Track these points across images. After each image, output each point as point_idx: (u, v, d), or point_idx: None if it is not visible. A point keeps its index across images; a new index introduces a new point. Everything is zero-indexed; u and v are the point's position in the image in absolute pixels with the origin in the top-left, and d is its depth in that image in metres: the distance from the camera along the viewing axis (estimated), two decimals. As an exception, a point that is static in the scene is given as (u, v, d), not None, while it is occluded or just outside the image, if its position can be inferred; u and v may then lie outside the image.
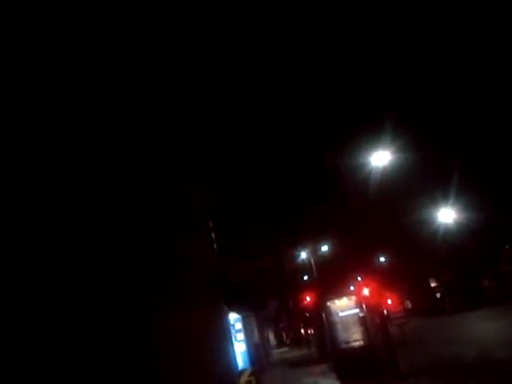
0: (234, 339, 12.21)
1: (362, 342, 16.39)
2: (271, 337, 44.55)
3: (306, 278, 32.45)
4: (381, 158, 17.00)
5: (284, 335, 47.18)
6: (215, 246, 11.05)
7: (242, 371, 12.29)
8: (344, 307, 17.27)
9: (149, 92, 5.66)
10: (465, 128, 25.07)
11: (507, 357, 12.16)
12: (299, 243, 26.44)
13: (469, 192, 28.35)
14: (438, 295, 50.79)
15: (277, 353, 34.37)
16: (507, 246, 40.08)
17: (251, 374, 12.46)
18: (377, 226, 26.37)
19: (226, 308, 10.28)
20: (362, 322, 16.81)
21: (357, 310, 17.07)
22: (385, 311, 19.52)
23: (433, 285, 52.19)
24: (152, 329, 4.82)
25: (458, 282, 45.56)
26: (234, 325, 12.70)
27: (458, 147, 25.31)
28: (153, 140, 6.00)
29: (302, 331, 43.30)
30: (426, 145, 22.43)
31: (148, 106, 5.61)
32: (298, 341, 41.27)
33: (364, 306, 17.29)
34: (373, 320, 17.00)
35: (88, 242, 3.95)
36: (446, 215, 30.17)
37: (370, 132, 18.09)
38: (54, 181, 3.66)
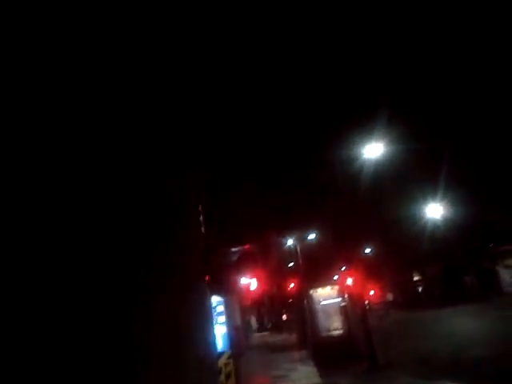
0: (215, 322, 12.29)
1: (341, 332, 16.64)
2: (253, 321, 44.93)
3: (291, 264, 32.72)
4: (373, 151, 17.05)
5: (266, 320, 47.61)
6: (203, 229, 11.06)
7: (222, 353, 12.40)
8: (326, 296, 17.48)
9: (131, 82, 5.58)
10: (456, 123, 25.18)
11: (483, 354, 12.39)
12: (287, 230, 26.56)
13: (457, 188, 28.61)
14: (420, 289, 51.52)
15: (257, 336, 34.73)
16: (491, 245, 40.63)
17: (230, 357, 12.58)
18: (365, 218, 26.62)
19: (209, 290, 10.32)
20: (343, 311, 17.05)
21: (339, 300, 17.28)
22: (366, 302, 19.78)
23: (416, 278, 52.90)
24: (134, 311, 4.81)
25: (440, 276, 46.25)
26: (216, 307, 12.77)
27: (449, 142, 25.41)
28: (142, 128, 5.94)
29: (284, 317, 43.79)
30: (418, 139, 22.51)
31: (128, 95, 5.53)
32: (279, 326, 41.74)
33: (346, 296, 17.51)
34: (354, 310, 17.24)
35: (69, 231, 3.92)
36: (434, 210, 30.49)
37: (363, 124, 18.11)
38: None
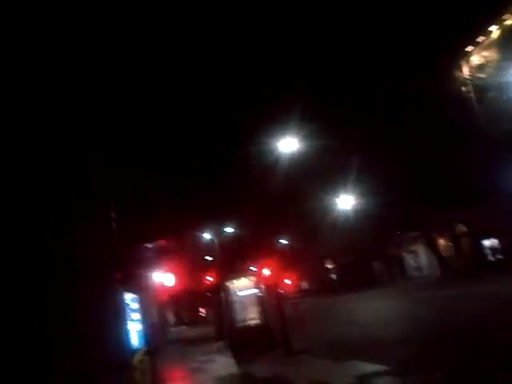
0: (129, 318, 12.02)
1: (258, 321, 16.96)
2: (170, 315, 44.46)
3: (210, 259, 32.73)
4: (288, 145, 17.52)
5: (183, 314, 47.35)
6: (114, 225, 10.73)
7: (137, 351, 12.18)
8: (243, 287, 17.71)
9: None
10: (365, 116, 26.49)
11: (389, 335, 13.29)
12: (204, 224, 26.54)
13: (367, 179, 30.13)
14: (334, 277, 53.84)
15: (175, 331, 34.43)
16: (398, 232, 43.38)
17: (146, 353, 12.39)
18: (280, 210, 27.27)
19: (121, 287, 10.07)
20: (260, 301, 17.38)
21: (255, 290, 17.59)
22: (282, 291, 20.34)
23: (329, 267, 55.16)
24: (41, 309, 4.63)
25: (352, 264, 48.68)
26: (129, 304, 12.47)
27: (359, 135, 26.74)
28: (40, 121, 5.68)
29: (202, 310, 43.78)
30: (330, 133, 23.42)
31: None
32: (197, 320, 41.73)
33: (262, 286, 17.88)
34: (270, 300, 17.66)
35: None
36: (345, 201, 31.97)
37: (278, 119, 18.51)
38: None
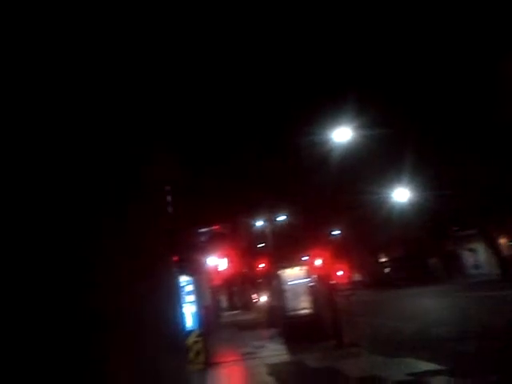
0: (184, 301, 12.33)
1: (309, 311, 16.91)
2: (223, 299, 45.28)
3: (261, 245, 32.97)
4: (342, 134, 17.26)
5: (236, 299, 48.07)
6: (171, 209, 10.99)
7: (191, 332, 12.49)
8: (295, 276, 17.68)
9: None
10: (424, 107, 25.56)
11: (445, 333, 12.86)
12: (257, 211, 26.72)
13: (424, 172, 29.18)
14: (387, 270, 52.81)
15: (227, 315, 35.04)
16: (456, 228, 41.80)
17: (199, 335, 12.70)
18: (334, 201, 26.95)
19: (177, 270, 10.32)
20: (311, 291, 17.30)
21: (307, 280, 17.52)
22: (334, 282, 20.11)
23: (382, 260, 54.15)
24: (98, 289, 4.76)
25: (406, 258, 47.49)
26: (185, 287, 12.79)
27: (417, 127, 25.83)
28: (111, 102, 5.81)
29: (254, 296, 44.31)
30: (386, 124, 22.79)
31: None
32: (248, 305, 42.27)
33: (314, 276, 17.77)
34: (321, 290, 17.54)
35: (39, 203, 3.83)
36: (401, 194, 31.13)
37: (332, 109, 18.22)
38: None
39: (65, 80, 4.52)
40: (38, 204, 3.79)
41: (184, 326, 10.76)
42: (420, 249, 45.94)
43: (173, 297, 8.57)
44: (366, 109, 18.96)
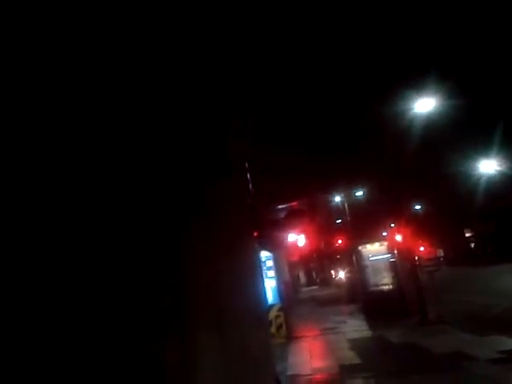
0: (265, 276, 12.59)
1: (391, 286, 16.61)
2: (302, 275, 45.66)
3: (339, 221, 32.67)
4: (424, 105, 16.48)
5: (314, 275, 48.25)
6: (250, 186, 11.16)
7: (272, 306, 12.76)
8: (375, 252, 17.40)
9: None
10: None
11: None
12: (334, 186, 26.38)
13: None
14: (472, 245, 50.31)
15: (306, 291, 35.35)
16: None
17: (280, 309, 12.95)
18: (415, 174, 25.95)
19: (258, 246, 10.53)
20: (393, 267, 16.96)
21: (388, 255, 17.18)
22: (416, 258, 19.53)
23: (467, 235, 51.63)
24: (183, 267, 4.96)
25: (494, 233, 44.85)
26: (265, 262, 13.05)
27: (502, 95, 23.95)
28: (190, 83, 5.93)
29: (332, 272, 44.22)
30: (470, 93, 21.36)
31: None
32: (327, 281, 42.27)
33: (395, 252, 17.39)
34: (403, 266, 17.14)
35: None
36: (488, 165, 29.27)
37: (414, 78, 17.36)
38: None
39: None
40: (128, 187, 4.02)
41: (266, 300, 11.02)
42: (509, 223, 43.15)
43: (255, 272, 8.77)
44: (449, 78, 17.88)
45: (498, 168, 29.46)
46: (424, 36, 17.94)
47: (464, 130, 27.46)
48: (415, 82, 17.02)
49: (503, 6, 15.97)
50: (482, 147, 28.17)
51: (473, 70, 21.38)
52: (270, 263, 13.36)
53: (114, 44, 4.35)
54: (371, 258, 17.17)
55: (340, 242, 31.35)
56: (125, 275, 3.85)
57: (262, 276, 11.17)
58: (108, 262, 3.72)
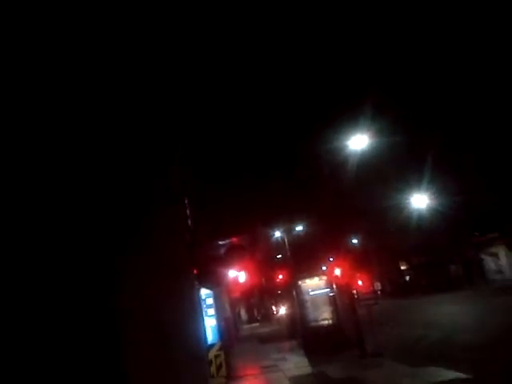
0: (204, 314, 12.34)
1: (330, 321, 16.80)
2: (242, 312, 45.12)
3: (279, 256, 32.84)
4: (358, 142, 17.18)
5: (255, 311, 47.84)
6: (190, 222, 11.06)
7: (212, 345, 12.48)
8: (315, 286, 17.61)
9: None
10: (440, 113, 25.36)
11: (467, 341, 12.62)
12: (274, 222, 26.66)
13: (442, 178, 28.87)
14: (407, 278, 52.07)
15: (247, 328, 34.89)
16: (476, 234, 41.07)
17: (220, 349, 12.67)
18: (351, 209, 26.78)
19: (197, 283, 10.36)
20: (332, 301, 17.20)
21: (327, 290, 17.42)
22: (354, 292, 19.94)
23: (403, 268, 53.44)
24: (120, 305, 4.80)
25: (427, 266, 46.78)
26: (205, 299, 12.81)
27: (434, 133, 25.58)
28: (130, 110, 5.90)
29: (273, 308, 44.06)
30: (403, 130, 22.65)
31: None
32: (268, 317, 42.03)
33: (334, 286, 17.66)
34: (342, 300, 17.41)
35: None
36: (420, 200, 30.76)
37: (348, 116, 18.17)
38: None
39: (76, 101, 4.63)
40: (59, 223, 3.87)
41: (206, 339, 10.78)
42: (441, 255, 45.25)
43: (195, 310, 8.60)
44: (382, 116, 18.87)
45: (429, 203, 31.07)
46: (356, 76, 18.94)
47: (397, 166, 28.88)
48: (348, 121, 17.80)
49: (433, 48, 17.20)
50: (414, 182, 29.67)
51: (404, 107, 22.73)
52: (210, 301, 13.12)
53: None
54: (311, 293, 17.34)
55: (281, 277, 31.41)
56: (54, 317, 3.67)
57: (202, 314, 10.95)
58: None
